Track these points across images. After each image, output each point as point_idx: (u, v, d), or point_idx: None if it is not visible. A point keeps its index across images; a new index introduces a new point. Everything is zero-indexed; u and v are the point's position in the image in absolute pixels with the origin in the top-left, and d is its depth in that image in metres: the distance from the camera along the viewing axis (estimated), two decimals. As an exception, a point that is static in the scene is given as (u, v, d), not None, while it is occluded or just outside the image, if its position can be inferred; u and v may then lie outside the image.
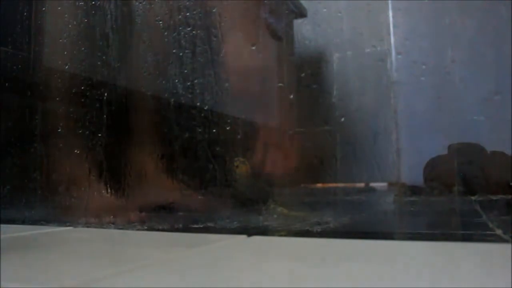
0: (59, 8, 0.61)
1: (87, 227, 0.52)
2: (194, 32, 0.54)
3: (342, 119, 0.50)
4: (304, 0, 0.55)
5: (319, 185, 0.55)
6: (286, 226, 0.47)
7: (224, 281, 0.25)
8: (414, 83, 0.49)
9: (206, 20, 0.54)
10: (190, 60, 0.54)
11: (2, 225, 0.53)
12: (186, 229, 0.48)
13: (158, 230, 0.48)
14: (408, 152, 0.48)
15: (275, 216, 0.49)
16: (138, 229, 0.49)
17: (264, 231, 0.45)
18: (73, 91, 0.58)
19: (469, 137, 0.48)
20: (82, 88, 0.58)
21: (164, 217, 0.52)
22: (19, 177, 0.61)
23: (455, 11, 0.47)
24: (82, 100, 0.57)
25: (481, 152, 0.47)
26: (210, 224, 0.48)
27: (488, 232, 0.38)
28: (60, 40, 0.60)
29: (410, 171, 0.49)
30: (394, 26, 0.49)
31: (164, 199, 0.53)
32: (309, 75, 0.53)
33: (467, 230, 0.42)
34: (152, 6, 0.56)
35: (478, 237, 0.37)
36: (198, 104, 0.53)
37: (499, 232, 0.37)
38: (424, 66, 0.48)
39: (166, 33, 0.54)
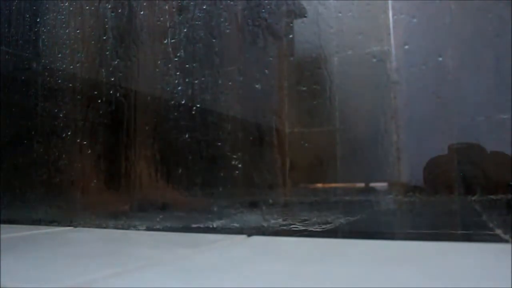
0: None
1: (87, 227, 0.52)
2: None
3: (342, 119, 0.50)
4: (304, 0, 0.55)
5: (319, 185, 0.55)
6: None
7: (224, 281, 0.25)
8: (414, 83, 0.49)
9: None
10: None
11: (2, 225, 0.53)
12: (186, 229, 0.48)
13: (158, 230, 0.48)
14: (408, 152, 0.48)
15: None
16: (138, 229, 0.49)
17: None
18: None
19: (469, 137, 0.47)
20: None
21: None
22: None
23: (455, 11, 0.47)
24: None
25: (481, 152, 0.47)
26: (210, 224, 0.48)
27: (488, 232, 0.38)
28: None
29: (410, 171, 0.49)
30: (394, 26, 0.49)
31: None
32: (309, 75, 0.53)
33: (467, 230, 0.42)
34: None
35: (478, 237, 0.37)
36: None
37: (499, 232, 0.37)
38: (424, 66, 0.48)
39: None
